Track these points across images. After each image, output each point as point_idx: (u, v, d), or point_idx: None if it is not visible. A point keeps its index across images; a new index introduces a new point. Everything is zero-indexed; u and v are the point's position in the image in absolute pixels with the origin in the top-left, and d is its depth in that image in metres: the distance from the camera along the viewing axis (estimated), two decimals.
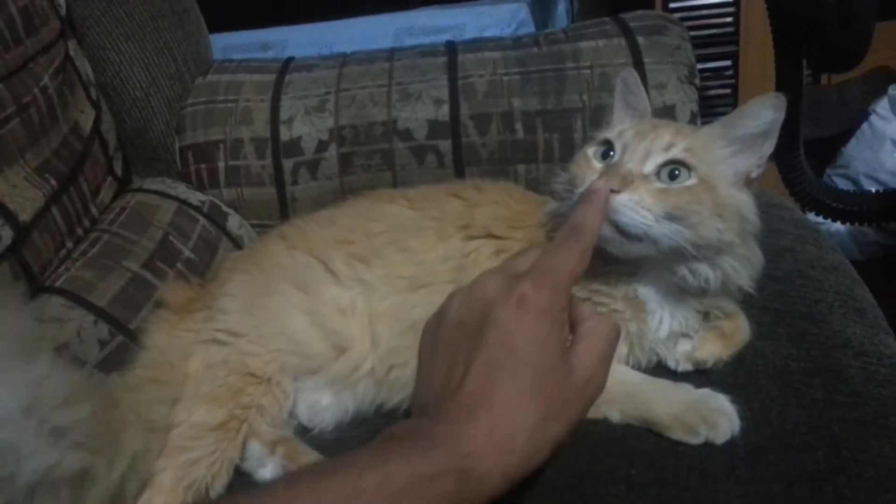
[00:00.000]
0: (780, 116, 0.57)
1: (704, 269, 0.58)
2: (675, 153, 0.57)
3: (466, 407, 0.43)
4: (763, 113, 0.57)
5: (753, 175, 0.60)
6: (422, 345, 0.53)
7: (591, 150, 0.62)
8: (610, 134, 0.61)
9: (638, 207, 0.54)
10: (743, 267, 0.60)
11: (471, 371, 0.45)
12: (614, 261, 0.59)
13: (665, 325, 0.61)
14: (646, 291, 0.61)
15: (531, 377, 0.44)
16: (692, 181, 0.56)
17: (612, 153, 0.60)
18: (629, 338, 0.61)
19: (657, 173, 0.56)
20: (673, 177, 0.56)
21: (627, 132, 0.60)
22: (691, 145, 0.57)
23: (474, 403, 0.43)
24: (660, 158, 0.57)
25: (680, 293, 0.61)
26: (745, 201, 0.59)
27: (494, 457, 0.42)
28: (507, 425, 0.43)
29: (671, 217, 0.55)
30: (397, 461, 0.40)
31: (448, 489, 0.40)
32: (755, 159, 0.59)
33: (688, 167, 0.56)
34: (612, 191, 0.54)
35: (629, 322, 0.60)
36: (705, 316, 0.63)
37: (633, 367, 0.62)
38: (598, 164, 0.60)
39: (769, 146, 0.59)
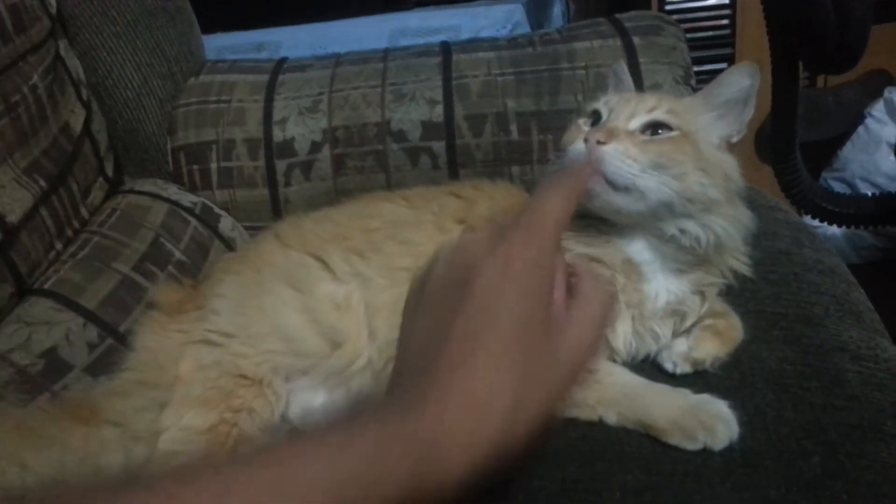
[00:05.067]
0: (756, 83, 0.62)
1: (693, 227, 0.60)
2: (658, 115, 0.60)
3: (443, 384, 0.39)
4: (739, 80, 0.62)
5: (734, 140, 0.64)
6: (408, 301, 0.50)
7: (582, 120, 0.66)
8: (597, 104, 0.65)
9: (623, 157, 0.57)
10: (733, 227, 0.62)
11: (450, 341, 0.40)
12: (609, 229, 0.62)
13: (662, 295, 0.62)
14: (641, 254, 0.62)
15: (515, 332, 0.41)
16: (675, 133, 0.59)
17: (601, 121, 0.63)
18: (629, 311, 0.61)
19: (641, 132, 0.60)
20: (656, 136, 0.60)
21: (613, 99, 0.65)
22: (674, 108, 0.61)
23: (451, 378, 0.39)
24: (644, 118, 0.60)
25: (674, 260, 0.62)
26: (728, 161, 0.62)
27: (466, 431, 0.37)
28: (484, 392, 0.38)
29: (656, 166, 0.57)
30: (351, 455, 0.34)
31: (407, 476, 0.35)
32: (736, 124, 0.63)
33: (670, 128, 0.60)
34: (599, 142, 0.57)
35: (629, 293, 0.61)
36: (701, 299, 0.63)
37: (633, 352, 0.62)
38: (587, 130, 0.62)
39: (748, 112, 0.63)
